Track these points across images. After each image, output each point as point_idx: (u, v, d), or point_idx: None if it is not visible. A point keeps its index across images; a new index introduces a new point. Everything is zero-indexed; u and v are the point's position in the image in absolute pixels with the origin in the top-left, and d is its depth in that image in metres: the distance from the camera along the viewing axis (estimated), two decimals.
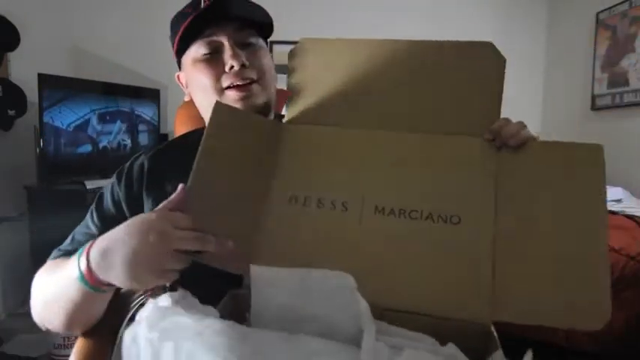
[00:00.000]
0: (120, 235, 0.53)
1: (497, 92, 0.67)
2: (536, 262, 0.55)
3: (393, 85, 0.71)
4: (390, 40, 0.72)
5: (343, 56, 0.73)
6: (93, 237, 0.68)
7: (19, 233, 2.34)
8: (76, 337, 0.71)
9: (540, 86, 3.26)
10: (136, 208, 0.73)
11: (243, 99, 0.73)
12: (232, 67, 0.72)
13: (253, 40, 0.77)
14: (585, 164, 0.59)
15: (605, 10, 2.67)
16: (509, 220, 0.59)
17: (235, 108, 0.72)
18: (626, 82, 2.51)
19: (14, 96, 2.33)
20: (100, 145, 2.49)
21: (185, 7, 0.77)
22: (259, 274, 0.52)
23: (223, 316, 0.50)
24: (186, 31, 0.73)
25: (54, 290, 0.63)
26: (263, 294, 0.51)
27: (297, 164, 0.68)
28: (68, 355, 0.70)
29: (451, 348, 0.46)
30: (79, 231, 0.77)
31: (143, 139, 2.68)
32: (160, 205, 0.55)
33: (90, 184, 2.25)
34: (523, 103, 2.96)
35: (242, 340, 0.43)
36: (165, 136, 2.68)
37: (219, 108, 0.67)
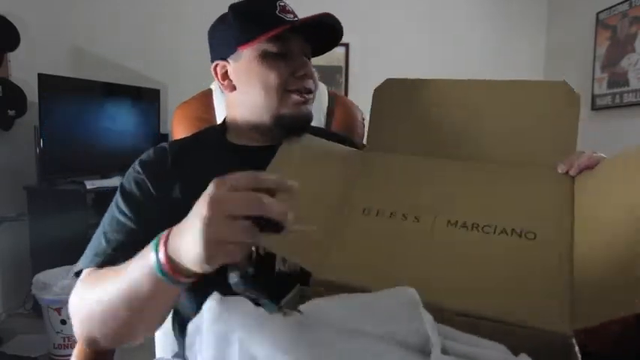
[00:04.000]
0: (189, 216, 0.48)
1: (572, 127, 0.68)
2: (612, 266, 0.53)
3: (469, 120, 0.74)
4: (467, 80, 0.76)
5: (422, 93, 0.78)
6: (131, 229, 0.69)
7: (19, 233, 2.34)
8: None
9: None
10: (165, 192, 0.73)
11: (302, 103, 0.78)
12: (304, 74, 0.77)
13: (309, 52, 0.82)
14: None
15: (605, 10, 2.67)
16: (586, 232, 0.58)
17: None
18: (626, 82, 2.51)
19: (14, 96, 2.34)
20: (100, 145, 2.49)
21: (263, 4, 0.77)
22: (307, 309, 0.49)
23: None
24: (274, 30, 0.74)
25: (114, 295, 0.56)
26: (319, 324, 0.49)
27: (373, 185, 0.73)
28: (68, 355, 0.70)
29: (524, 358, 0.43)
30: (110, 230, 0.70)
31: (143, 139, 2.67)
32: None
33: (90, 184, 2.25)
34: None
35: (303, 331, 0.43)
36: (166, 136, 2.67)
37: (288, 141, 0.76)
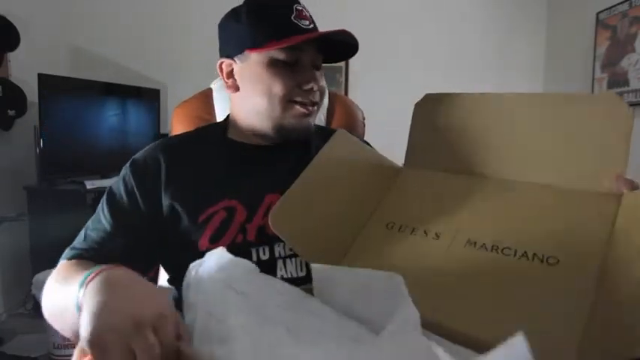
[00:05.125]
0: (118, 290, 0.48)
1: (622, 147, 0.60)
2: (635, 303, 0.49)
3: (508, 138, 0.70)
4: (507, 94, 0.72)
5: (460, 109, 0.76)
6: (106, 233, 0.71)
7: (19, 233, 2.34)
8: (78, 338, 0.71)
9: (540, 86, 3.26)
10: (153, 201, 0.74)
11: (304, 116, 0.77)
12: (311, 88, 0.75)
13: (320, 63, 0.80)
14: None
15: (605, 10, 2.67)
16: (616, 263, 0.53)
17: (356, 138, 0.79)
18: (626, 82, 2.51)
19: (14, 96, 2.33)
20: (100, 145, 2.48)
21: (279, 6, 0.74)
22: (320, 271, 0.54)
23: None
24: (285, 37, 0.72)
25: (57, 304, 0.60)
26: (324, 294, 0.53)
27: (401, 200, 0.73)
28: (68, 355, 0.70)
29: None
30: (91, 227, 0.74)
31: (143, 139, 2.67)
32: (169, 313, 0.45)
33: (90, 184, 2.25)
34: None
35: (302, 300, 0.49)
36: (165, 136, 2.67)
37: (341, 133, 0.76)
